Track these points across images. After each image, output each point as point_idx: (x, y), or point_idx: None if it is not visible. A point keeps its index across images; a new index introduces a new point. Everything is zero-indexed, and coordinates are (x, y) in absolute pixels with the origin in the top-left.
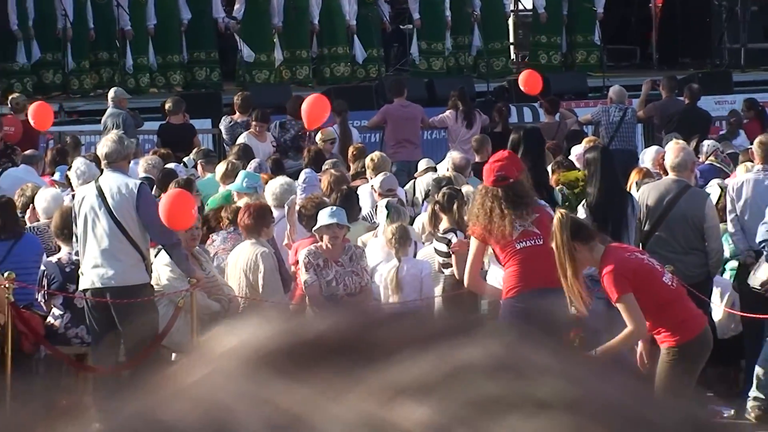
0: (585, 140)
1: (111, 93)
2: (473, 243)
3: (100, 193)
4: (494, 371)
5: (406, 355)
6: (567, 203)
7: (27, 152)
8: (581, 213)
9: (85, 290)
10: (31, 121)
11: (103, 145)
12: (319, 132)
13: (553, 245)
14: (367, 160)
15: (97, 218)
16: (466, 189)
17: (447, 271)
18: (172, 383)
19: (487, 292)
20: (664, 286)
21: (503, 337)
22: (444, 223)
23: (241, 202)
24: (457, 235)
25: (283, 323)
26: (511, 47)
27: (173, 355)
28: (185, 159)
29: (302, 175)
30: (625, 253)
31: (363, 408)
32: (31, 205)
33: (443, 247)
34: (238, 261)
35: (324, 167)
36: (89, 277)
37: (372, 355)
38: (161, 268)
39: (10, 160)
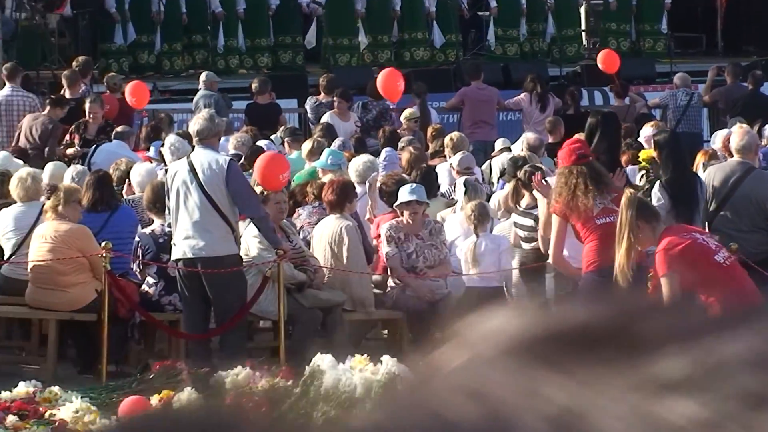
0: (649, 124)
1: (203, 76)
2: (555, 220)
3: (192, 169)
4: (758, 366)
5: (670, 348)
6: (650, 179)
7: (119, 128)
8: (657, 192)
9: (177, 260)
10: (129, 99)
11: (195, 123)
12: (403, 112)
13: (618, 222)
14: (446, 140)
15: (188, 192)
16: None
17: (528, 245)
18: (439, 372)
19: (569, 271)
20: (714, 264)
21: (764, 332)
22: (526, 199)
23: (326, 178)
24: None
25: (543, 312)
26: (583, 34)
27: (261, 322)
28: (272, 137)
29: (383, 153)
30: (680, 233)
31: (632, 401)
32: (127, 179)
33: (527, 221)
34: (323, 234)
35: (400, 145)
36: (181, 248)
37: (635, 347)
38: (250, 240)
39: (107, 136)
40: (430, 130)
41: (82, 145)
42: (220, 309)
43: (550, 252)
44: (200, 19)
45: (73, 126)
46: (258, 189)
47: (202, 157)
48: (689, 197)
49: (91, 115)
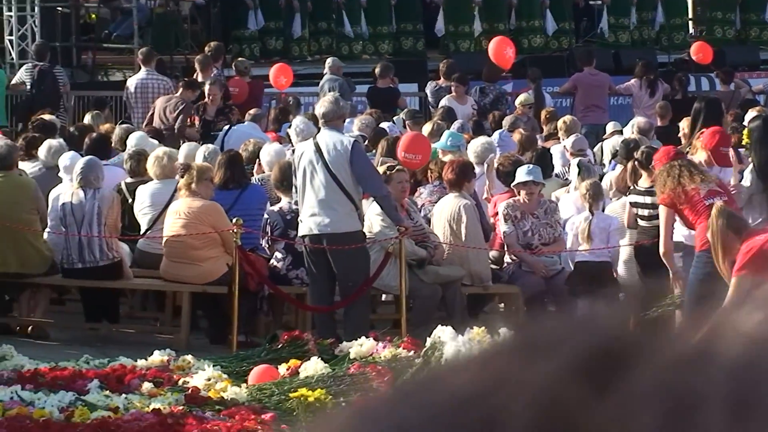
0: (753, 108)
1: (329, 62)
2: (663, 211)
3: (318, 149)
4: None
5: None
6: None
7: (252, 111)
8: (747, 175)
9: (303, 236)
10: (279, 80)
11: (321, 106)
12: (518, 97)
13: (709, 233)
14: (560, 123)
15: (314, 171)
16: None
17: (648, 223)
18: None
19: (671, 266)
20: None
21: None
22: (644, 179)
23: (446, 159)
24: None
25: None
26: (690, 22)
27: (383, 296)
28: (394, 118)
29: (496, 135)
30: (758, 235)
31: None
32: (256, 158)
33: (646, 200)
34: (443, 212)
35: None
36: (307, 225)
37: None
38: (373, 218)
39: (226, 118)
40: (543, 114)
41: (201, 126)
42: (345, 283)
43: (660, 243)
44: (325, 6)
45: (194, 108)
46: (381, 169)
47: (327, 138)
48: None
49: (210, 97)
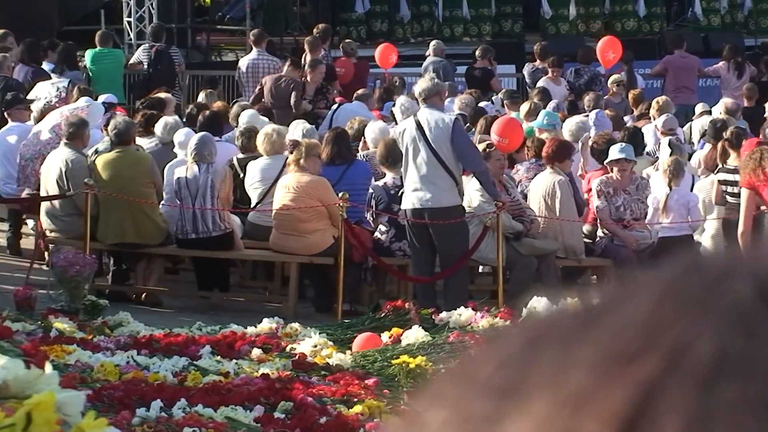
0: None
1: (432, 44)
2: (744, 194)
3: (419, 127)
4: None
5: None
6: None
7: (360, 91)
8: None
9: (406, 210)
10: (377, 60)
11: (419, 85)
12: (611, 77)
13: None
14: (653, 103)
15: (417, 148)
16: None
17: (733, 200)
18: None
19: (747, 246)
20: None
21: None
22: (732, 159)
23: (542, 137)
24: None
25: None
26: None
27: (481, 267)
28: (493, 98)
29: (592, 114)
30: None
31: None
32: (362, 136)
33: (734, 177)
34: (538, 187)
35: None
36: (410, 199)
37: None
38: (473, 193)
39: (324, 97)
40: (631, 95)
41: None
42: (445, 255)
43: (739, 223)
44: None
45: None
46: (480, 147)
47: (428, 115)
48: None
49: (309, 77)
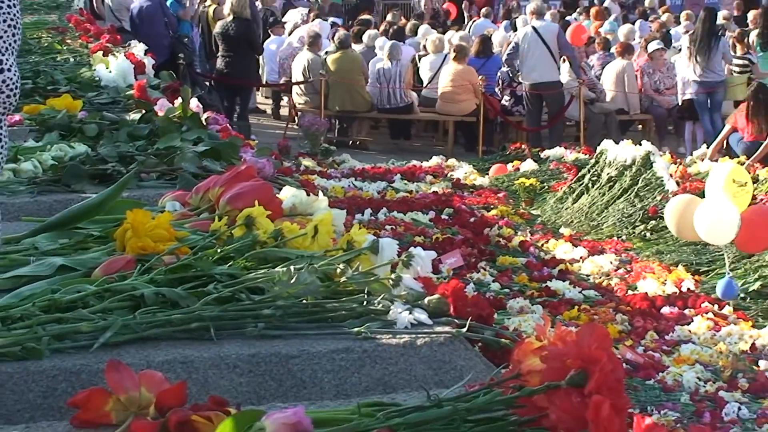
0: None
1: None
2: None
3: (535, 30)
4: None
5: None
6: None
7: (485, 10)
8: None
9: (525, 84)
10: None
11: (531, 5)
12: None
13: None
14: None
15: (533, 45)
16: None
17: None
18: None
19: None
20: None
21: None
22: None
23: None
24: None
25: None
26: None
27: (569, 121)
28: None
29: (638, 23)
30: None
31: None
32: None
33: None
34: (613, 69)
35: None
36: (529, 78)
37: None
38: (564, 74)
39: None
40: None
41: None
42: (548, 113)
43: None
44: None
45: None
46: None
47: (539, 24)
48: None
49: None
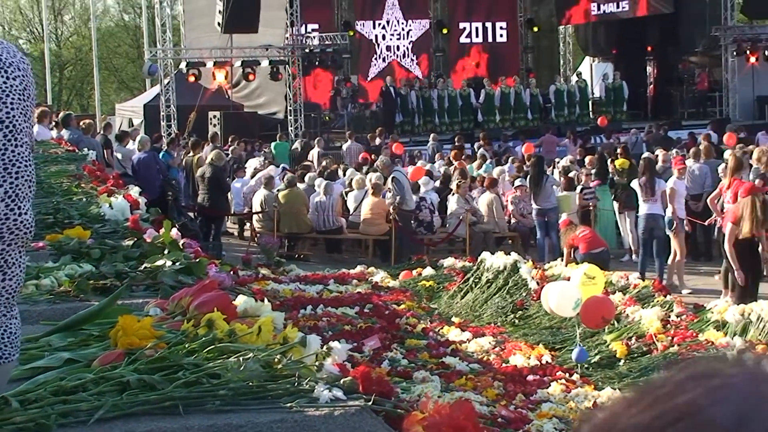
0: None
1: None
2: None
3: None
4: None
5: None
6: None
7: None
8: None
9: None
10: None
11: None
12: None
13: None
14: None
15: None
16: None
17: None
18: None
19: None
20: None
21: None
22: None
23: (478, 176)
24: None
25: None
26: None
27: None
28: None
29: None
30: None
31: None
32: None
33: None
34: (483, 200)
35: None
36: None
37: None
38: (452, 204)
39: None
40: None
41: None
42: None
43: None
44: None
45: None
46: (454, 185)
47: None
48: None
49: None
